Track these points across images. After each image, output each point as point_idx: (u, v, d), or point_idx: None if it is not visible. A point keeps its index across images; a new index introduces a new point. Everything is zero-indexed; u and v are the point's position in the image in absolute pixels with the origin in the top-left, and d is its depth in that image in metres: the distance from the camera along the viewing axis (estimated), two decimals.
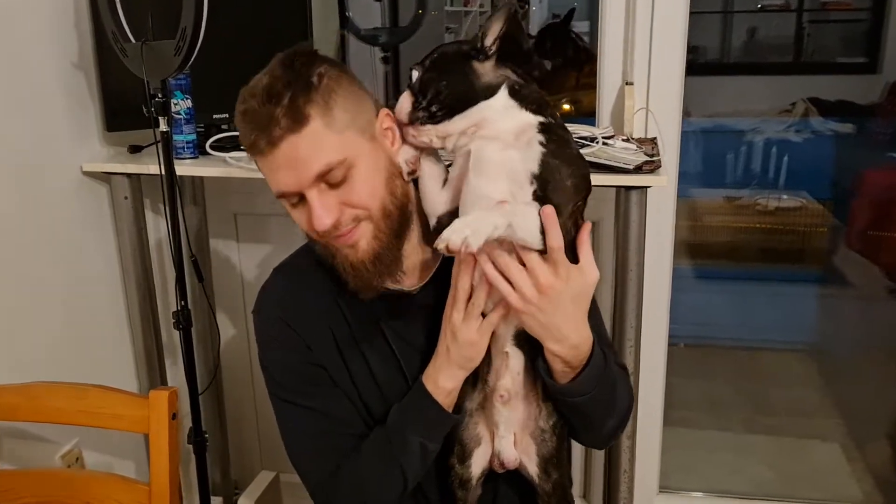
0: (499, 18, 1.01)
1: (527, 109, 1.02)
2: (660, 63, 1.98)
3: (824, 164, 4.25)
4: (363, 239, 1.07)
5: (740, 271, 3.97)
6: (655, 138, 1.93)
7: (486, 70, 1.03)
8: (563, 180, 1.00)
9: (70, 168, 1.84)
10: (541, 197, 0.99)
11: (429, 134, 1.05)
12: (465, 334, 1.06)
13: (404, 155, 1.10)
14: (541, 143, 1.00)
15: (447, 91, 1.02)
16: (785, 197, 4.09)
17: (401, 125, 1.08)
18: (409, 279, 1.15)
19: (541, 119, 1.02)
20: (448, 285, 1.10)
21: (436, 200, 1.08)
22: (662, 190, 1.86)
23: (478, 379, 1.13)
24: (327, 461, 1.16)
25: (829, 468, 2.61)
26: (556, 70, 2.82)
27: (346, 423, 1.18)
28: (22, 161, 1.70)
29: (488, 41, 1.02)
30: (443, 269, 1.15)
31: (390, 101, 1.28)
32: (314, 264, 1.16)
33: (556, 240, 0.98)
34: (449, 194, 1.07)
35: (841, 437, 2.76)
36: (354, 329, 1.16)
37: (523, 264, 1.01)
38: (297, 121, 1.00)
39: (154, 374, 1.96)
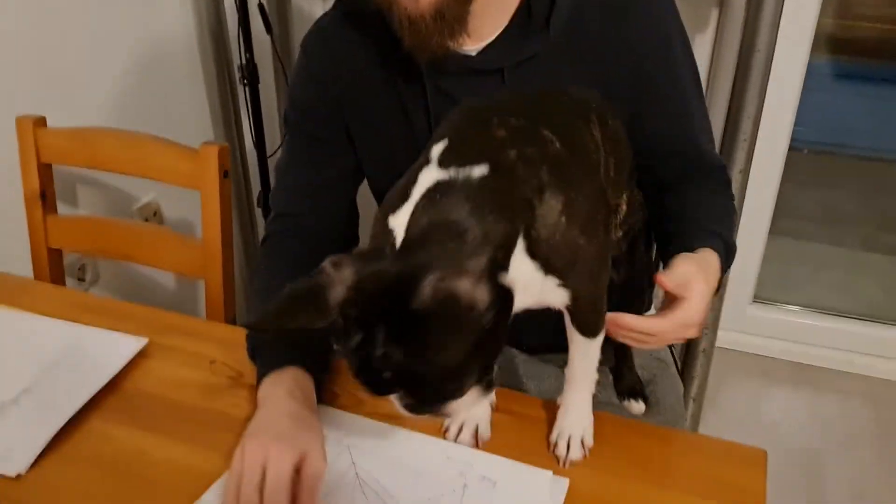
0: None
1: None
2: None
3: None
4: None
5: (889, 71, 3.49)
6: None
7: None
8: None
9: None
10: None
11: None
12: None
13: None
14: None
15: None
16: None
17: None
18: (472, 41, 0.96)
19: None
20: (513, 51, 0.94)
21: None
22: None
23: None
24: (289, 205, 1.08)
25: None
26: None
27: (331, 187, 1.07)
28: None
29: None
30: (509, 32, 0.96)
31: None
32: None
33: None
34: None
35: None
36: (398, 79, 1.00)
37: None
38: None
39: (230, 131, 1.87)
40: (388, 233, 0.67)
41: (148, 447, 0.89)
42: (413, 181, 0.70)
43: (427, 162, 0.72)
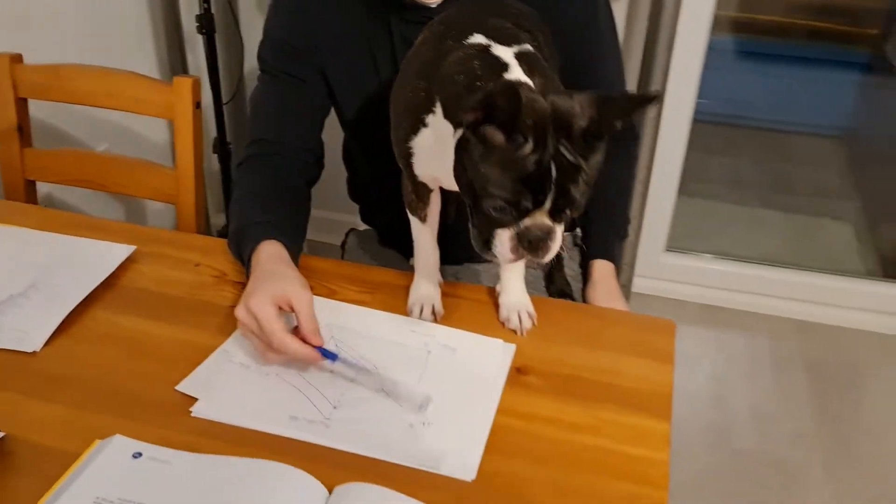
0: None
1: None
2: None
3: None
4: None
5: (787, 48, 3.81)
6: None
7: None
8: None
9: None
10: None
11: None
12: None
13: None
14: None
15: None
16: None
17: None
18: None
19: None
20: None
21: None
22: None
23: None
24: (267, 131, 1.19)
25: (839, 245, 2.67)
26: None
27: (303, 117, 1.19)
28: None
29: None
30: None
31: None
32: None
33: None
34: None
35: (856, 218, 2.80)
36: (367, 27, 1.14)
37: None
38: None
39: None
40: (524, 84, 0.79)
41: (148, 328, 1.01)
42: (490, 57, 0.82)
43: (486, 46, 0.84)
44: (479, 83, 0.81)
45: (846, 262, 2.56)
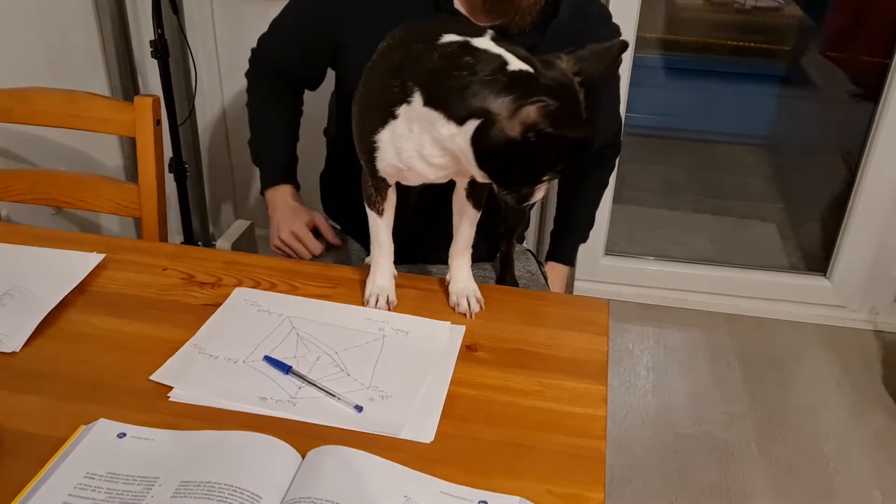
0: None
1: None
2: None
3: None
4: None
5: (711, 64, 4.03)
6: None
7: None
8: None
9: None
10: None
11: None
12: None
13: None
14: None
15: None
16: None
17: None
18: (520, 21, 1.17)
19: None
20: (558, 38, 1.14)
21: None
22: None
23: None
24: (277, 57, 1.42)
25: (764, 243, 2.85)
26: None
27: (310, 57, 1.37)
28: None
29: None
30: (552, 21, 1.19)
31: None
32: None
33: None
34: None
35: (780, 218, 2.99)
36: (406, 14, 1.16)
37: None
38: None
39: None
40: (520, 71, 0.91)
41: (121, 327, 1.07)
42: (478, 51, 0.92)
43: (464, 41, 0.94)
44: (487, 77, 0.90)
45: (771, 258, 2.74)
